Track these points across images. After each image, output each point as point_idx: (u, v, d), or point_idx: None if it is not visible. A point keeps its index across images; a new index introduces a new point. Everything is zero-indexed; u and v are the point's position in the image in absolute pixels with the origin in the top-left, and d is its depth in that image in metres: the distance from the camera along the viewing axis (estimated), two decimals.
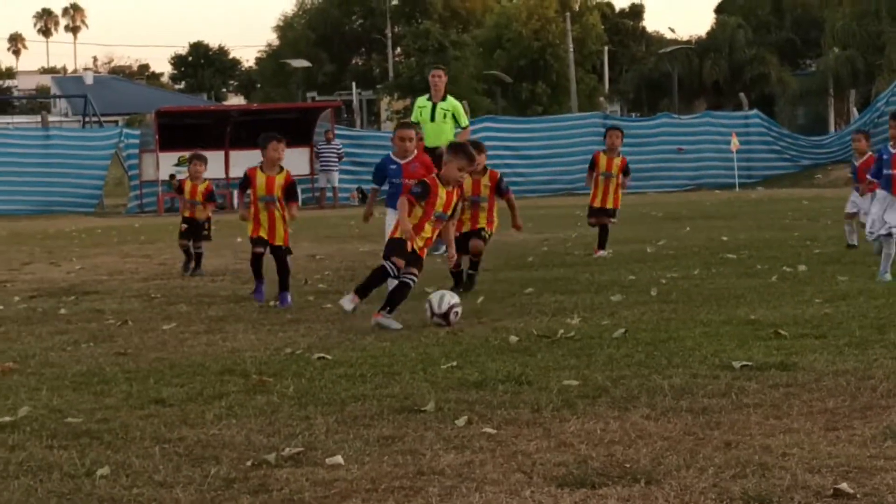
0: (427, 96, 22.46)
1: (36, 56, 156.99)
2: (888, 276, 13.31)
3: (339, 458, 7.74)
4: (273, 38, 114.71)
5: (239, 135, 49.42)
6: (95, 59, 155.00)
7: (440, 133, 21.31)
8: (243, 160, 48.87)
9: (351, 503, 6.85)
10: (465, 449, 7.96)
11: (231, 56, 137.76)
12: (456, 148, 15.17)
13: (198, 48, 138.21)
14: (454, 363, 10.91)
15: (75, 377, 11.03)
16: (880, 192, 14.45)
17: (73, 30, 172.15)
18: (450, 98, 22.20)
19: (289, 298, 15.84)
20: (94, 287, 19.02)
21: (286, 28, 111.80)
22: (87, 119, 62.40)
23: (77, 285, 19.41)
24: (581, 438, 8.12)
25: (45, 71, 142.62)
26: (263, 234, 16.16)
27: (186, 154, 46.95)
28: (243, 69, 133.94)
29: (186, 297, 17.15)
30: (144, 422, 9.07)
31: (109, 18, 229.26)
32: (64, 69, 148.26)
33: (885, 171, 14.43)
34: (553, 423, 8.59)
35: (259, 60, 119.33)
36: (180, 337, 13.48)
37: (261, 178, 16.06)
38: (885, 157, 15.10)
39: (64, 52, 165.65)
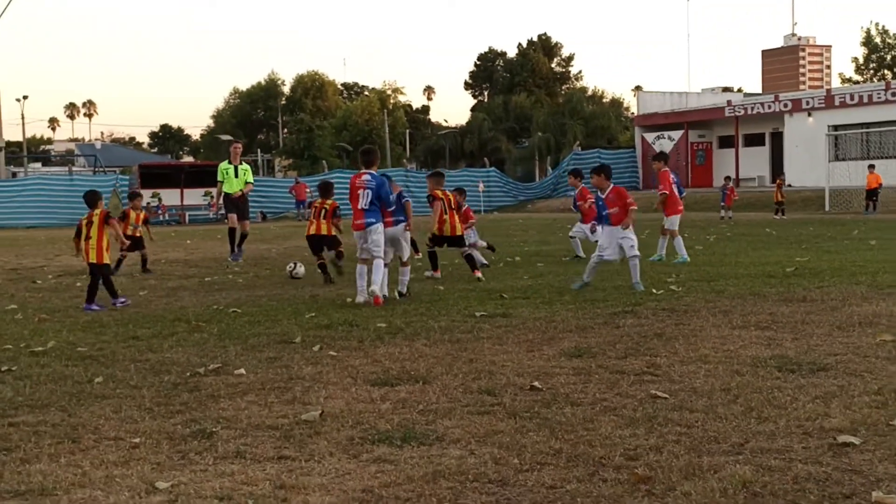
0: (227, 161, 19.96)
1: (65, 131, 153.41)
2: (641, 286, 12.12)
3: (242, 370, 7.63)
4: (210, 121, 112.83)
5: (189, 179, 48.68)
6: (102, 133, 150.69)
7: (239, 185, 19.65)
8: (192, 195, 48.12)
9: (250, 396, 6.75)
10: (318, 364, 7.91)
11: (185, 132, 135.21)
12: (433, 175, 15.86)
13: (165, 127, 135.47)
14: (313, 314, 10.83)
15: (84, 324, 10.72)
16: (607, 228, 12.60)
17: (89, 115, 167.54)
18: (244, 162, 20.16)
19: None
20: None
21: (218, 116, 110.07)
22: (96, 169, 60.92)
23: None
24: (386, 357, 8.11)
25: (70, 140, 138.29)
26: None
27: (159, 191, 46.81)
28: (192, 140, 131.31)
29: (154, 276, 16.76)
30: (125, 349, 8.84)
31: (111, 109, 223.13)
32: (83, 139, 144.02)
33: (604, 212, 12.95)
34: (370, 349, 8.56)
35: (202, 135, 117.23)
36: (149, 298, 13.17)
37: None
38: (599, 203, 12.99)
39: (82, 129, 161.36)
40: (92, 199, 13.16)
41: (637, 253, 12.55)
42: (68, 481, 4.89)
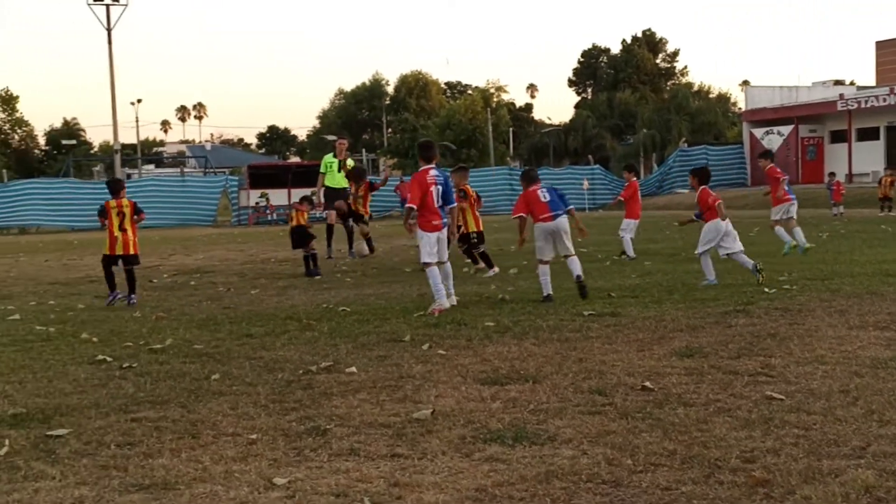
0: (332, 154, 20.27)
1: (176, 133, 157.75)
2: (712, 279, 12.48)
3: (353, 369, 7.72)
4: (316, 122, 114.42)
5: (296, 179, 49.51)
6: (212, 134, 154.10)
7: (342, 180, 19.86)
8: (299, 195, 48.90)
9: (361, 394, 6.84)
10: (428, 362, 7.96)
11: (292, 133, 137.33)
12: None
13: (273, 128, 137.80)
14: (422, 313, 10.90)
15: (199, 321, 10.98)
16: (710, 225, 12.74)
17: (199, 117, 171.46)
18: (350, 159, 20.51)
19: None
20: (211, 268, 18.91)
21: (323, 116, 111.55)
22: (206, 170, 62.39)
23: (201, 267, 19.30)
24: (495, 356, 8.12)
25: (182, 142, 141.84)
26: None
27: (267, 191, 47.76)
28: (298, 140, 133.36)
29: (264, 275, 17.07)
30: (240, 347, 9.04)
31: (221, 111, 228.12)
32: (193, 141, 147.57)
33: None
34: (479, 348, 8.58)
35: (308, 135, 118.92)
36: (261, 297, 13.42)
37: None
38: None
39: (193, 131, 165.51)
40: (115, 186, 13.67)
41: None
42: (189, 476, 5.02)
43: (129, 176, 70.63)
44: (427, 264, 11.40)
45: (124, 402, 6.78)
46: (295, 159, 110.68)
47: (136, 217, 13.28)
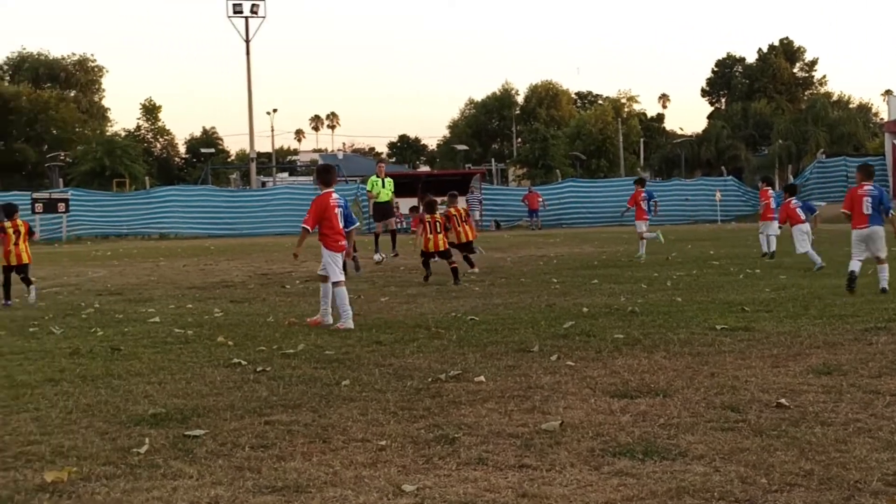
0: (375, 175, 23.77)
1: (310, 142, 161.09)
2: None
3: (482, 377, 7.73)
4: (446, 132, 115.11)
5: (426, 189, 49.98)
6: (344, 143, 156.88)
7: (387, 195, 23.34)
8: None
9: (490, 403, 6.84)
10: (556, 373, 7.92)
11: (422, 142, 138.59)
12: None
13: (403, 137, 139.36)
14: (550, 323, 10.86)
15: (330, 328, 11.16)
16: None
17: (332, 127, 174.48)
18: (388, 178, 23.78)
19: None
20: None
21: (453, 126, 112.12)
22: (338, 179, 63.55)
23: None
24: (625, 369, 8.03)
25: (315, 151, 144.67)
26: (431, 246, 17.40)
27: (397, 199, 48.23)
28: (428, 150, 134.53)
29: (394, 283, 17.25)
30: (369, 354, 9.15)
31: (353, 120, 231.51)
32: (326, 149, 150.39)
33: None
34: (608, 360, 8.50)
35: (438, 145, 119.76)
36: (391, 304, 13.56)
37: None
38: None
39: (326, 140, 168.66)
40: (9, 210, 15.71)
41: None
42: (321, 480, 5.10)
43: (263, 184, 72.25)
44: (337, 283, 11.41)
45: (258, 405, 6.93)
46: (425, 168, 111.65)
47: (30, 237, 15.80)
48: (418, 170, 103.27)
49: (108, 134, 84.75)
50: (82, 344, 10.24)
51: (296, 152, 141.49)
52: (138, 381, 8.02)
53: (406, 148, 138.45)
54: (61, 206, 44.87)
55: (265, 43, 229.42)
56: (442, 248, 17.45)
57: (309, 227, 11.73)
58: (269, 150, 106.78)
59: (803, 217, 18.17)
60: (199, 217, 47.53)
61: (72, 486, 5.04)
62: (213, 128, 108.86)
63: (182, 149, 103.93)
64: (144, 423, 6.45)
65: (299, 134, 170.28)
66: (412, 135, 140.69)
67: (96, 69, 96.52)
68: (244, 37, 60.26)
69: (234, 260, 26.12)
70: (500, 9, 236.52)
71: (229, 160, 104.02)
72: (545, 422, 6.20)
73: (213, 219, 47.41)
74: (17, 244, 15.37)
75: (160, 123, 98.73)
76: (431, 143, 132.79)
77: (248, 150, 68.76)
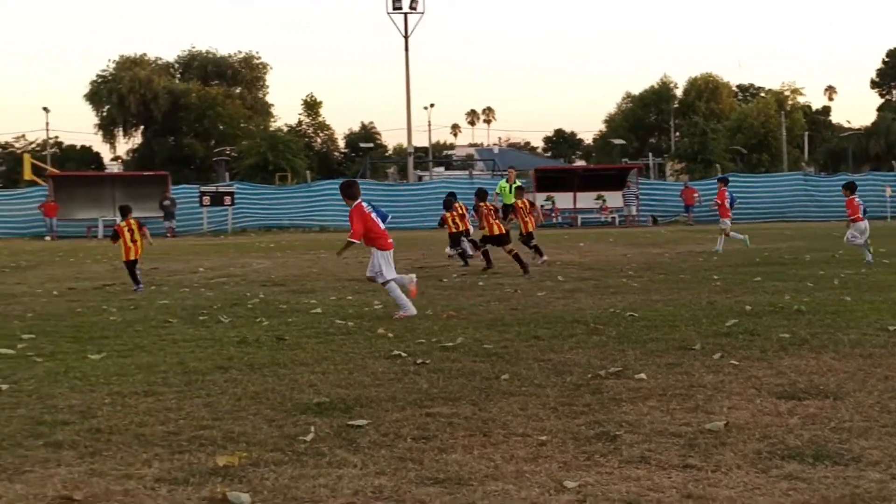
0: (505, 180, 27.92)
1: (465, 136, 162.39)
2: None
3: (643, 375, 7.62)
4: (602, 126, 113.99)
5: (582, 183, 49.74)
6: (500, 138, 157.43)
7: (510, 199, 25.46)
8: (584, 198, 49.06)
9: (651, 401, 6.73)
10: (719, 372, 7.74)
11: (577, 137, 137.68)
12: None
13: (559, 132, 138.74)
14: (712, 321, 10.63)
15: (487, 321, 11.20)
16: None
17: (487, 121, 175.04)
18: (516, 182, 26.93)
19: None
20: (498, 270, 19.17)
21: (610, 120, 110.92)
22: (494, 172, 63.65)
23: (488, 269, 19.67)
24: (791, 370, 7.79)
25: (470, 145, 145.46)
26: None
27: (553, 194, 48.14)
28: (584, 144, 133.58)
29: (550, 278, 17.18)
30: (528, 349, 9.13)
31: (508, 114, 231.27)
32: (481, 144, 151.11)
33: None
34: (774, 360, 8.26)
35: (594, 139, 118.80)
36: (548, 300, 13.51)
37: None
38: None
39: (481, 134, 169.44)
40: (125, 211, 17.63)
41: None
42: (482, 473, 5.12)
43: (419, 178, 73.06)
44: (386, 281, 12.17)
45: (419, 397, 7.01)
46: (581, 163, 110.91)
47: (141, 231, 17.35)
48: (574, 164, 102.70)
49: (271, 129, 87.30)
50: (249, 333, 10.57)
51: (452, 147, 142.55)
52: (303, 370, 8.22)
53: (561, 142, 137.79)
54: (227, 199, 46.44)
55: (423, 38, 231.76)
56: (497, 233, 18.85)
57: (358, 241, 12.25)
58: (426, 144, 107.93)
59: None
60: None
61: (242, 471, 5.20)
62: (372, 123, 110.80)
63: (341, 143, 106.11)
64: (309, 411, 6.61)
65: (455, 128, 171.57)
66: (568, 129, 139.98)
67: (261, 66, 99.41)
68: (403, 32, 61.03)
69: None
70: (659, 1, 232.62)
71: (387, 154, 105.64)
72: (709, 422, 6.07)
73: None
74: (133, 241, 17.19)
75: (321, 119, 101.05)
76: (587, 137, 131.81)
77: (405, 145, 69.71)
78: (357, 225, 12.12)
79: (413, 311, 11.85)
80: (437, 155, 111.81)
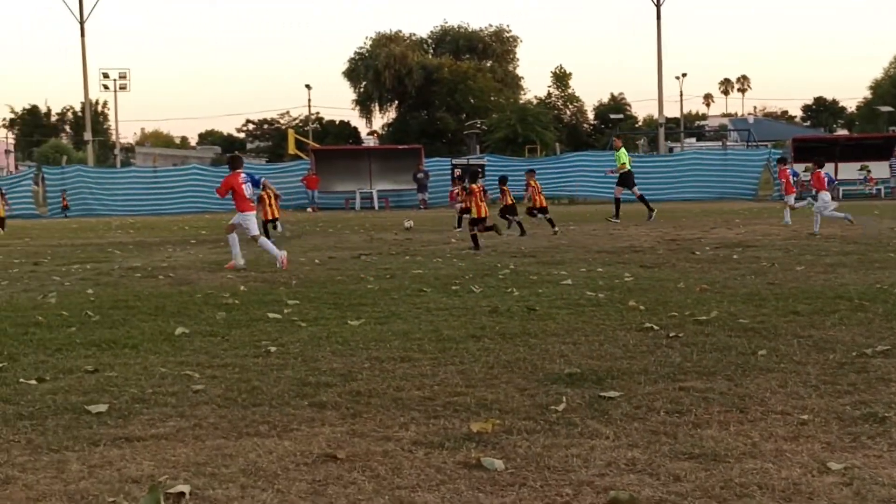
0: (622, 150, 29.47)
1: (718, 106, 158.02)
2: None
3: None
4: (867, 93, 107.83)
5: (844, 153, 47.42)
6: (755, 107, 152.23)
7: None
8: (847, 169, 46.66)
9: None
10: None
11: (840, 104, 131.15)
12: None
13: (819, 100, 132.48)
14: None
15: (742, 295, 10.84)
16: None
17: (742, 90, 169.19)
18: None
19: None
20: (753, 242, 18.62)
21: (876, 87, 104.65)
22: (749, 143, 61.61)
23: (743, 241, 19.10)
24: None
25: (723, 115, 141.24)
26: None
27: (810, 164, 46.09)
28: (847, 112, 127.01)
29: (809, 251, 16.45)
30: (786, 324, 8.77)
31: (764, 83, 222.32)
32: (735, 114, 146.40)
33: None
34: None
35: (858, 107, 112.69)
36: (807, 274, 12.94)
37: None
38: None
39: (735, 104, 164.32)
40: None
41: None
42: (738, 450, 4.96)
43: (670, 149, 71.68)
44: (256, 237, 16.55)
45: (671, 371, 6.88)
46: (843, 132, 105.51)
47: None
48: (835, 134, 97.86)
49: (520, 102, 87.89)
50: (500, 303, 10.69)
51: (704, 117, 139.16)
52: (553, 340, 8.24)
53: (822, 111, 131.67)
54: (479, 172, 47.17)
55: (676, 5, 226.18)
56: (484, 216, 19.64)
57: (220, 196, 16.87)
58: (678, 115, 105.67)
59: None
60: (606, 182, 47.98)
61: (495, 438, 5.27)
62: (622, 94, 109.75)
63: (591, 115, 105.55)
64: (560, 381, 6.62)
65: (708, 98, 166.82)
66: (829, 97, 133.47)
67: (511, 39, 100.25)
68: (655, 1, 59.85)
69: (640, 225, 26.14)
70: None
71: (637, 126, 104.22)
72: None
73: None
74: (270, 205, 23.71)
75: (570, 91, 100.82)
76: (850, 105, 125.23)
77: (655, 116, 68.46)
78: (222, 187, 16.55)
79: (241, 262, 15.79)
80: (688, 126, 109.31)
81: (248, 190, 16.39)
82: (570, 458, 4.90)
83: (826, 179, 22.25)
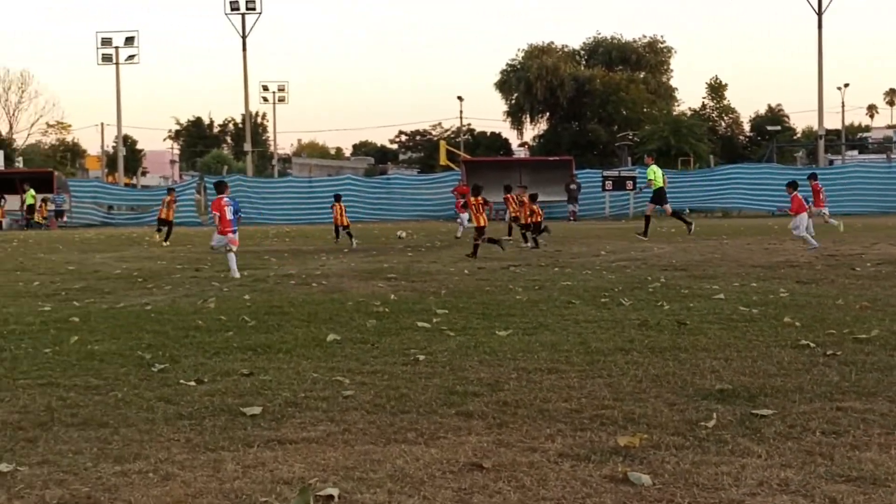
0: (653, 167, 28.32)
1: (883, 117, 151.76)
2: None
3: None
4: None
5: None
6: None
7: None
8: None
9: None
10: None
11: None
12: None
13: None
14: None
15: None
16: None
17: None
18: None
19: None
20: None
21: None
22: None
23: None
24: None
25: (888, 127, 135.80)
26: None
27: None
28: None
29: None
30: None
31: None
32: None
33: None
34: None
35: None
36: None
37: None
38: None
39: None
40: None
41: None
42: None
43: (831, 162, 69.36)
44: (227, 250, 17.65)
45: (828, 390, 6.65)
46: None
47: None
48: None
49: (674, 113, 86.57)
50: (650, 316, 10.55)
51: (867, 129, 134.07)
52: (704, 356, 8.07)
53: None
54: (629, 184, 46.67)
55: (837, 13, 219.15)
56: (483, 225, 21.27)
57: (214, 212, 18.57)
58: (839, 126, 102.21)
59: None
60: (763, 193, 46.77)
61: (642, 452, 5.19)
62: (780, 105, 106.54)
63: (747, 127, 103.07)
64: (711, 397, 6.48)
65: (872, 109, 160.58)
66: None
67: (665, 50, 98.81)
68: (815, 9, 58.14)
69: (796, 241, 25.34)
70: None
71: (795, 138, 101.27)
72: None
73: (776, 197, 46.51)
74: (341, 215, 27.81)
75: (725, 102, 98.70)
76: None
77: (815, 128, 66.38)
78: (213, 207, 18.97)
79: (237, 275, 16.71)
80: (850, 138, 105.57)
81: (229, 213, 17.89)
82: (719, 475, 4.78)
83: None
